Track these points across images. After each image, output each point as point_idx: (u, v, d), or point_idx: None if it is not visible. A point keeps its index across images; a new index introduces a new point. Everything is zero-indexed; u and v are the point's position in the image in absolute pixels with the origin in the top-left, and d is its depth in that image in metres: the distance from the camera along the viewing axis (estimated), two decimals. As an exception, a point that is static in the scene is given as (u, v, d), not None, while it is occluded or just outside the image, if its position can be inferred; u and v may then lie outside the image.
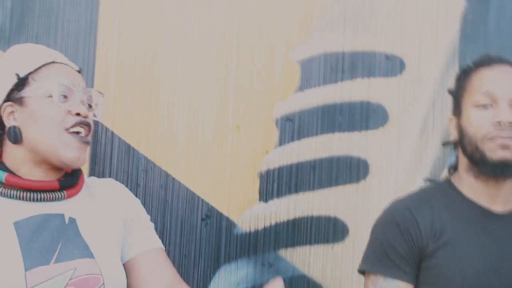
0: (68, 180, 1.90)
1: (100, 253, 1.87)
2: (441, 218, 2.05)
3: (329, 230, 2.47)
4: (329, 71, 2.49)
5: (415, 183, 2.48)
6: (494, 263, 2.02)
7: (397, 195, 2.47)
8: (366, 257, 2.12)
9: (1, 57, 1.89)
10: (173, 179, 2.35)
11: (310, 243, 2.45)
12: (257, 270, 2.41)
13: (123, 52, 2.23)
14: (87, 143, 1.87)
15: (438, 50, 2.50)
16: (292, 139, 2.47)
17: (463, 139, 2.08)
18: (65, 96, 1.84)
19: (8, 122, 1.86)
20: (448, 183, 2.16)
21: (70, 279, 1.77)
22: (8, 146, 1.87)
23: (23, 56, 1.88)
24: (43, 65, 1.86)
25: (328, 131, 2.48)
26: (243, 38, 2.46)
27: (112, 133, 2.26)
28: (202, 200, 2.40)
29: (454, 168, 2.21)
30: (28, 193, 1.82)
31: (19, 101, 1.84)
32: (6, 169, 1.85)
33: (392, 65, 2.47)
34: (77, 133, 1.84)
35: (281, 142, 2.44)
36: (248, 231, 2.41)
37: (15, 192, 1.81)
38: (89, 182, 2.01)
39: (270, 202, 2.44)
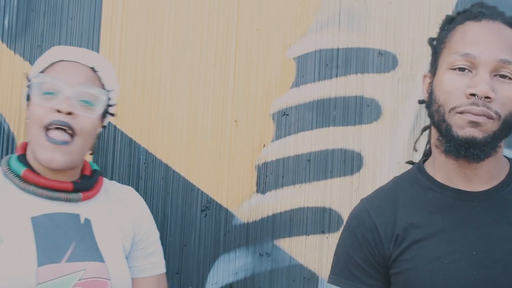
0: (84, 183, 1.91)
1: (111, 258, 1.88)
2: (406, 216, 1.74)
3: (324, 221, 2.49)
4: (324, 67, 2.52)
5: (408, 175, 2.53)
6: (474, 256, 1.65)
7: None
8: (332, 268, 1.90)
9: None
10: (173, 171, 2.38)
11: (306, 233, 2.48)
12: (255, 259, 2.44)
13: (125, 48, 2.26)
14: (63, 144, 1.83)
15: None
16: (289, 133, 2.50)
17: (431, 104, 1.73)
18: (53, 94, 1.83)
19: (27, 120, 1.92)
20: (419, 169, 1.83)
21: (79, 279, 1.79)
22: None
23: (41, 57, 1.92)
24: (50, 65, 1.89)
25: (323, 125, 2.51)
26: (241, 35, 2.49)
27: (115, 127, 2.30)
28: (202, 192, 2.42)
29: (429, 151, 1.91)
30: (45, 191, 1.84)
31: (28, 100, 1.90)
32: (26, 163, 1.87)
33: (385, 61, 2.50)
34: (58, 129, 1.82)
35: (278, 136, 2.48)
36: (246, 222, 2.44)
37: (33, 188, 1.83)
38: (109, 186, 2.02)
39: (268, 194, 2.47)
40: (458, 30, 1.72)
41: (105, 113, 1.96)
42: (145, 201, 2.11)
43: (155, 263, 2.07)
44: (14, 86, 2.10)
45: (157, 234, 2.11)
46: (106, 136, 2.24)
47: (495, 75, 1.65)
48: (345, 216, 2.53)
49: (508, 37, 1.68)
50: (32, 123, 1.84)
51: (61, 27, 2.16)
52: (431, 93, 1.74)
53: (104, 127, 2.02)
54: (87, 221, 1.87)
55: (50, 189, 1.85)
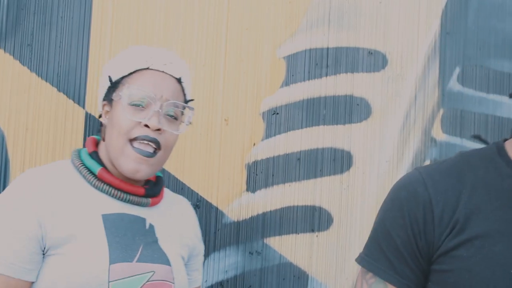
0: (153, 189, 1.92)
1: (175, 263, 1.89)
2: (472, 202, 1.33)
3: (314, 219, 2.50)
4: (314, 67, 2.52)
5: (398, 174, 2.53)
6: None
7: (380, 187, 2.53)
8: (365, 244, 1.57)
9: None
10: (163, 170, 2.37)
11: (296, 232, 2.49)
12: (245, 258, 2.44)
13: (116, 48, 2.26)
14: (149, 156, 1.82)
15: (419, 46, 2.54)
16: (279, 132, 2.50)
17: None
18: (141, 105, 1.81)
19: (104, 120, 1.90)
20: (498, 150, 1.41)
21: (148, 280, 1.79)
22: (102, 141, 1.92)
23: (123, 59, 1.88)
24: (137, 71, 1.85)
25: (313, 124, 2.51)
26: (231, 35, 2.48)
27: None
28: (192, 190, 2.41)
29: None
30: (118, 192, 1.83)
31: (110, 103, 1.88)
32: (100, 161, 1.86)
33: (375, 61, 2.51)
34: (143, 143, 1.82)
35: (268, 135, 2.47)
36: (236, 220, 2.43)
37: (106, 187, 1.83)
38: (166, 193, 2.03)
39: (258, 193, 2.47)
40: None
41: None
42: (202, 240, 2.13)
43: (197, 277, 2.10)
44: (4, 85, 2.10)
45: (203, 249, 2.13)
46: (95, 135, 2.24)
47: None
48: (334, 215, 2.54)
49: None
50: (116, 132, 1.82)
51: (51, 26, 2.15)
52: None
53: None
54: (151, 226, 1.87)
55: (123, 191, 1.85)
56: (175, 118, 1.87)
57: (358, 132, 2.53)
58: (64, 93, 2.18)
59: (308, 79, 2.52)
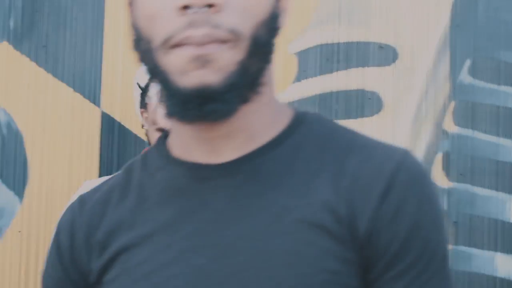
0: None
1: None
2: (116, 213, 1.04)
3: None
4: (324, 62, 2.53)
5: (409, 166, 2.56)
6: (202, 267, 0.96)
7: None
8: None
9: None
10: None
11: None
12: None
13: (129, 48, 2.29)
14: None
15: (430, 39, 2.54)
16: None
17: (139, 43, 0.99)
18: None
19: (145, 126, 1.93)
20: (158, 142, 1.07)
21: None
22: None
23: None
24: None
25: None
26: None
27: (119, 124, 2.30)
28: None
29: None
30: None
31: (145, 107, 1.91)
32: None
33: (385, 55, 2.51)
34: None
35: None
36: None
37: None
38: None
39: None
40: None
41: None
42: None
43: None
44: (22, 86, 2.14)
45: None
46: (111, 134, 2.28)
47: None
48: None
49: None
50: (154, 128, 1.86)
51: (65, 28, 2.18)
52: (135, 27, 0.99)
53: None
54: None
55: None
56: None
57: (370, 126, 2.52)
58: (80, 93, 2.22)
59: (320, 74, 2.54)
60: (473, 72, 2.52)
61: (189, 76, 0.91)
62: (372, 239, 0.95)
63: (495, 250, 2.42)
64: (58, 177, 2.18)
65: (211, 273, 0.96)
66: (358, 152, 0.98)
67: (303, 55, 2.53)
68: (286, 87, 2.52)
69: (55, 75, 2.18)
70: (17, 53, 2.13)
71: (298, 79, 2.53)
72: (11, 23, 2.12)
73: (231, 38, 0.91)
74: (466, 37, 2.52)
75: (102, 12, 2.25)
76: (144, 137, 2.31)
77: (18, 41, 2.13)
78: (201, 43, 0.90)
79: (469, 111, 2.51)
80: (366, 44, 2.56)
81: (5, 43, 2.12)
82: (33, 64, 2.15)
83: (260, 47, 0.94)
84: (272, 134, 1.00)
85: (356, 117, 2.55)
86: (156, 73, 0.95)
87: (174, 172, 1.02)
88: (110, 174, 2.29)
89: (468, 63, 2.53)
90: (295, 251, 0.93)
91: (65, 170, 2.18)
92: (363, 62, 2.56)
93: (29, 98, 2.15)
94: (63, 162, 2.18)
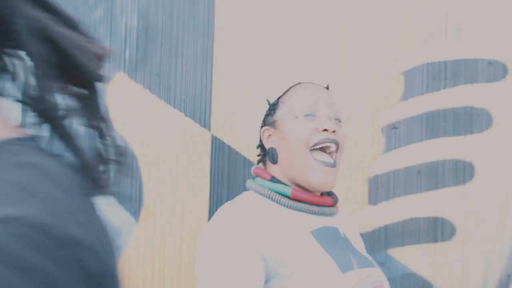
0: (333, 197, 1.92)
1: (376, 265, 1.91)
2: None
3: (437, 230, 2.49)
4: (431, 80, 2.50)
5: (522, 183, 2.52)
6: None
7: (504, 195, 2.52)
8: None
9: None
10: None
11: (419, 242, 2.48)
12: (369, 269, 2.49)
13: (236, 74, 2.37)
14: (332, 166, 1.84)
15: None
16: (398, 146, 2.49)
17: None
18: (311, 115, 1.84)
19: (267, 144, 1.92)
20: None
21: (371, 284, 1.81)
22: (270, 165, 1.91)
23: (273, 82, 1.96)
24: (290, 88, 1.91)
25: (432, 136, 2.50)
26: (349, 51, 2.49)
27: (229, 146, 2.35)
28: (315, 205, 2.47)
29: None
30: (314, 207, 1.85)
31: (273, 125, 1.90)
32: (285, 184, 1.87)
33: (495, 71, 2.45)
34: (322, 150, 1.83)
35: (388, 148, 2.47)
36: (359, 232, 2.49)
37: (304, 205, 1.84)
38: None
39: (379, 205, 2.48)
40: None
41: None
42: None
43: None
44: (136, 112, 2.25)
45: None
46: (221, 157, 2.36)
47: None
48: (458, 225, 2.55)
49: None
50: (294, 145, 1.83)
51: (177, 57, 2.26)
52: None
53: None
54: (344, 233, 1.90)
55: (316, 205, 1.86)
56: (340, 121, 1.89)
57: (479, 142, 2.49)
58: (190, 117, 2.29)
59: (427, 92, 2.51)
60: None
61: None
62: None
63: None
64: (171, 198, 2.23)
65: None
66: None
67: (409, 74, 2.51)
68: (393, 105, 2.50)
69: (167, 101, 2.25)
70: (132, 82, 2.22)
71: (405, 97, 2.51)
72: (127, 54, 2.22)
73: None
74: None
75: (211, 41, 2.33)
76: (252, 158, 2.38)
77: (133, 70, 2.23)
78: None
79: None
80: (474, 61, 2.55)
81: (121, 72, 2.23)
82: (146, 91, 2.24)
83: None
84: None
85: (464, 133, 2.52)
86: None
87: None
88: (220, 195, 2.40)
89: None
90: None
91: (178, 191, 2.24)
92: (472, 78, 2.52)
93: (143, 123, 2.22)
94: (175, 183, 2.24)
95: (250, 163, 2.35)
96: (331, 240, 1.83)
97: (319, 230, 1.83)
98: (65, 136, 0.79)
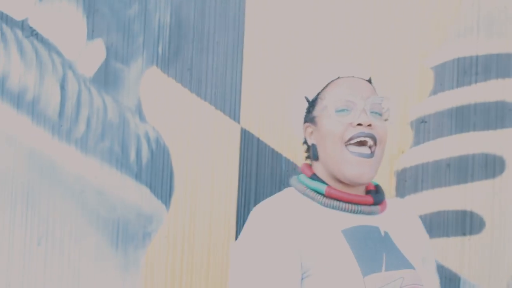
0: (378, 196, 1.92)
1: (418, 266, 1.89)
2: None
3: (466, 223, 2.49)
4: (462, 75, 2.50)
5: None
6: None
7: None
8: None
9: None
10: None
11: (447, 235, 2.49)
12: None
13: (266, 67, 2.36)
14: (369, 157, 1.83)
15: None
16: (427, 139, 2.50)
17: None
18: (346, 110, 1.84)
19: (309, 141, 1.94)
20: None
21: (400, 287, 1.80)
22: (313, 162, 1.94)
23: (312, 79, 1.95)
24: (329, 83, 1.91)
25: (462, 130, 2.50)
26: (379, 46, 2.51)
27: (258, 139, 2.40)
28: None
29: None
30: (349, 205, 1.85)
31: (313, 121, 1.91)
32: (322, 181, 1.89)
33: None
34: (361, 144, 1.83)
35: (416, 142, 2.46)
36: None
37: (337, 203, 1.85)
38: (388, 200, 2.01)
39: (407, 198, 2.48)
40: None
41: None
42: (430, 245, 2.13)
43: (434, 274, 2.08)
44: (168, 105, 2.31)
45: (432, 251, 2.11)
46: (250, 148, 2.42)
47: None
48: (487, 219, 2.53)
49: None
50: (330, 141, 1.85)
51: (208, 51, 2.30)
52: None
53: None
54: (386, 233, 1.89)
55: (353, 203, 1.86)
56: (379, 114, 1.87)
57: (511, 137, 2.51)
58: (221, 110, 2.34)
59: (457, 87, 2.51)
60: None
61: None
62: None
63: None
64: (201, 188, 2.29)
65: None
66: None
67: (440, 69, 2.50)
68: (422, 100, 2.50)
69: (198, 94, 2.31)
70: (165, 76, 2.28)
71: (435, 92, 2.51)
72: (160, 50, 2.29)
73: None
74: None
75: (242, 36, 2.38)
76: (280, 150, 2.45)
77: (166, 65, 2.28)
78: None
79: None
80: (507, 56, 2.56)
81: (154, 67, 2.31)
82: (178, 85, 2.28)
83: None
84: None
85: (495, 128, 2.52)
86: None
87: None
88: (249, 186, 2.46)
89: None
90: None
91: (207, 181, 2.29)
92: (503, 73, 2.52)
93: (175, 116, 2.27)
94: (205, 174, 2.29)
95: (278, 155, 2.41)
96: (363, 239, 1.83)
97: (351, 229, 1.83)
98: None
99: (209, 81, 2.34)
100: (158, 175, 2.28)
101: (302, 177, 1.91)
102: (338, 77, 1.91)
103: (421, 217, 2.43)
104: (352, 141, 1.83)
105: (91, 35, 2.22)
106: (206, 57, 2.33)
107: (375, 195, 1.91)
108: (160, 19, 2.29)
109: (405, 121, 2.49)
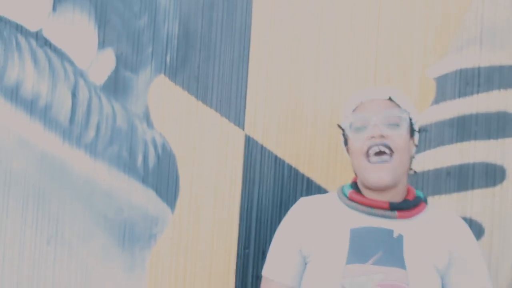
0: (402, 204, 2.15)
1: (415, 268, 2.05)
2: None
3: None
4: (464, 86, 2.54)
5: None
6: None
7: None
8: None
9: None
10: (319, 186, 2.52)
11: None
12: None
13: (271, 77, 2.46)
14: (386, 162, 2.11)
15: None
16: (428, 148, 2.54)
17: None
18: (363, 127, 2.15)
19: (349, 158, 2.27)
20: None
21: (380, 282, 2.02)
22: None
23: (345, 108, 2.29)
24: (354, 110, 2.23)
25: (463, 139, 2.53)
26: (382, 56, 2.56)
27: (261, 146, 2.47)
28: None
29: None
30: (365, 207, 2.15)
31: (347, 143, 2.26)
32: (355, 187, 2.20)
33: None
34: (380, 154, 2.12)
35: (417, 150, 2.42)
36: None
37: (355, 204, 2.15)
38: (433, 211, 2.22)
39: None
40: None
41: (412, 131, 2.21)
42: (478, 250, 2.26)
43: (478, 278, 2.20)
44: (175, 112, 2.34)
45: (478, 252, 2.24)
46: (254, 155, 2.45)
47: None
48: (486, 226, 2.54)
49: None
50: (355, 156, 2.17)
51: (214, 60, 2.38)
52: None
53: (416, 146, 2.25)
54: (400, 236, 2.10)
55: (370, 206, 2.14)
56: (397, 125, 2.14)
57: (511, 146, 2.51)
58: (226, 117, 2.41)
59: (459, 97, 2.54)
60: None
61: None
62: None
63: None
64: (205, 192, 2.36)
65: None
66: None
67: (442, 80, 2.54)
68: (424, 109, 2.53)
69: (204, 102, 2.37)
70: (172, 84, 2.30)
71: (437, 102, 2.54)
72: (168, 59, 2.35)
73: None
74: None
75: (248, 46, 2.42)
76: (283, 157, 2.54)
77: (173, 74, 2.32)
78: None
79: None
80: (509, 67, 2.59)
81: (162, 75, 2.35)
82: (185, 93, 2.34)
83: None
84: None
85: (496, 137, 2.53)
86: None
87: None
88: (252, 192, 2.47)
89: None
90: None
91: (211, 186, 2.36)
92: (506, 84, 2.52)
93: (181, 122, 2.34)
94: (209, 179, 2.36)
95: (281, 162, 2.48)
96: (366, 238, 2.07)
97: (361, 228, 2.11)
98: None
99: (215, 89, 2.39)
100: (164, 179, 2.33)
101: (347, 184, 2.24)
102: (361, 102, 2.21)
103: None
104: (370, 152, 2.12)
105: (102, 45, 2.28)
106: (212, 66, 2.39)
107: (400, 203, 2.12)
108: (168, 29, 2.35)
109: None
